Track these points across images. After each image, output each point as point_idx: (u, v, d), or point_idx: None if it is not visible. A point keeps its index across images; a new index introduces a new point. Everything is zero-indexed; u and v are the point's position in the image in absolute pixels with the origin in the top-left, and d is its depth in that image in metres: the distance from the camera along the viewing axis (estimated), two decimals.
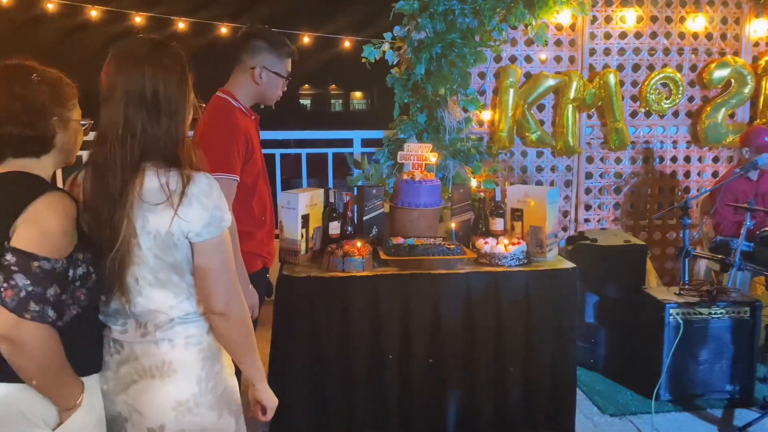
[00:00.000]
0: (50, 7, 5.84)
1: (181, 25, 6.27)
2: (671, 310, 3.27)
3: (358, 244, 2.90)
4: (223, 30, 5.98)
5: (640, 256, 3.69)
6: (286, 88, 2.63)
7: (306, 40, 5.20)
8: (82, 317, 1.53)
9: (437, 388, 2.88)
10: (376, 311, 2.77)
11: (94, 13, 6.06)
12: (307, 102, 37.71)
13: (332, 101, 39.42)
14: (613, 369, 3.68)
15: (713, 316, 3.30)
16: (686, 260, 3.67)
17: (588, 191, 4.94)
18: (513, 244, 2.94)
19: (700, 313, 3.29)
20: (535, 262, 2.96)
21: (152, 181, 1.50)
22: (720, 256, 3.37)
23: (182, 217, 1.49)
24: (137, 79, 1.50)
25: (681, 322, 3.25)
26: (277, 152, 4.90)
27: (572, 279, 2.92)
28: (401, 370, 2.85)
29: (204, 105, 1.79)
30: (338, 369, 2.79)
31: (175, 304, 1.57)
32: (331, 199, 3.05)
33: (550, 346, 2.92)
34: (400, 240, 2.97)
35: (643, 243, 3.75)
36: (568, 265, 2.95)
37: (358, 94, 39.37)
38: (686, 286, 3.46)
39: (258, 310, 2.47)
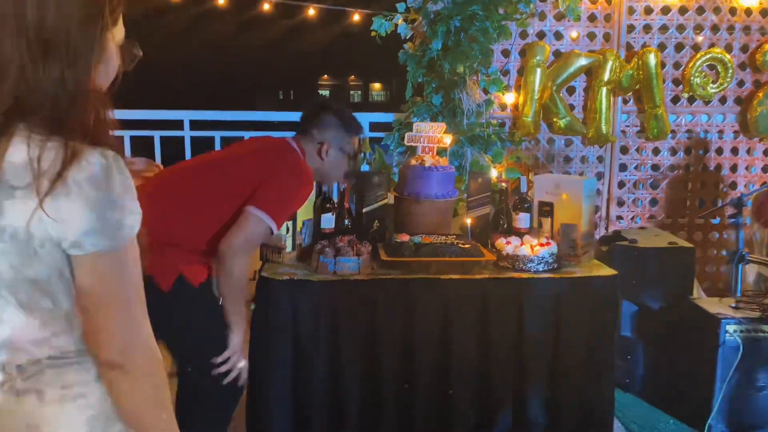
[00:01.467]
0: None
1: None
2: (728, 327, 2.76)
3: (355, 241, 2.43)
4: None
5: (688, 260, 3.18)
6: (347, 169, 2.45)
7: (311, 12, 4.76)
8: None
9: (447, 418, 2.40)
10: (373, 323, 2.30)
11: None
12: (325, 93, 37.48)
13: (351, 92, 39.21)
14: (654, 392, 3.17)
15: None
16: (740, 267, 3.15)
17: (621, 185, 4.43)
18: (541, 245, 2.45)
19: (763, 332, 2.77)
20: (567, 268, 2.46)
21: (19, 152, 0.99)
22: None
23: (50, 214, 0.98)
24: None
25: (740, 341, 2.74)
26: (273, 134, 4.44)
27: (612, 289, 2.43)
28: (402, 394, 2.38)
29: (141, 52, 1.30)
30: (326, 393, 2.32)
31: (44, 338, 1.06)
32: (325, 188, 2.58)
33: (583, 368, 2.44)
34: (405, 237, 2.50)
35: (691, 246, 3.23)
36: (608, 271, 2.46)
37: (377, 86, 39.14)
38: (743, 298, 2.95)
39: None
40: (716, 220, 4.51)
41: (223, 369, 2.02)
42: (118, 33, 1.11)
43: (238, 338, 2.05)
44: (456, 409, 2.38)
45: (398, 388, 2.36)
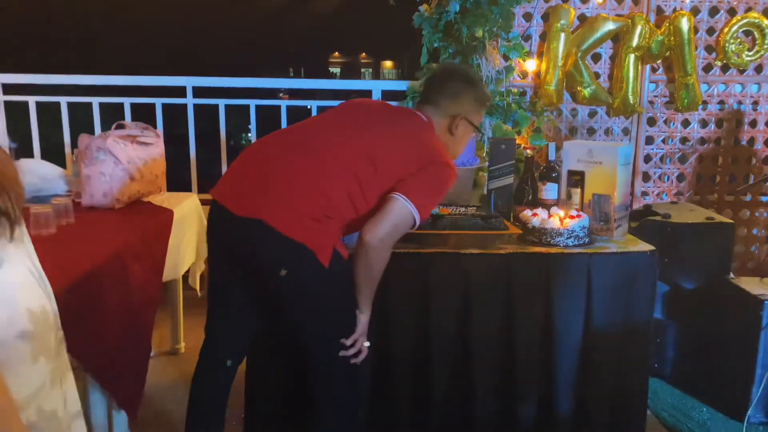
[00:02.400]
0: None
1: None
2: None
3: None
4: None
5: (727, 237, 2.94)
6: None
7: None
8: None
9: (465, 402, 2.20)
10: (386, 301, 2.08)
11: None
12: (336, 70, 37.12)
13: (362, 70, 38.85)
14: (686, 378, 2.95)
15: None
16: None
17: (647, 159, 4.18)
18: (570, 217, 2.22)
19: None
20: (600, 243, 2.24)
21: None
22: None
23: None
24: None
25: None
26: (283, 103, 4.21)
27: (649, 266, 2.20)
28: (418, 377, 2.18)
29: None
30: None
31: None
32: None
33: (615, 351, 2.22)
34: None
35: (731, 221, 2.99)
36: (645, 247, 2.23)
37: (388, 64, 38.79)
38: None
39: None
40: (748, 198, 4.26)
41: (351, 351, 1.87)
42: None
43: (365, 319, 1.92)
44: (476, 395, 2.18)
45: (413, 370, 2.16)
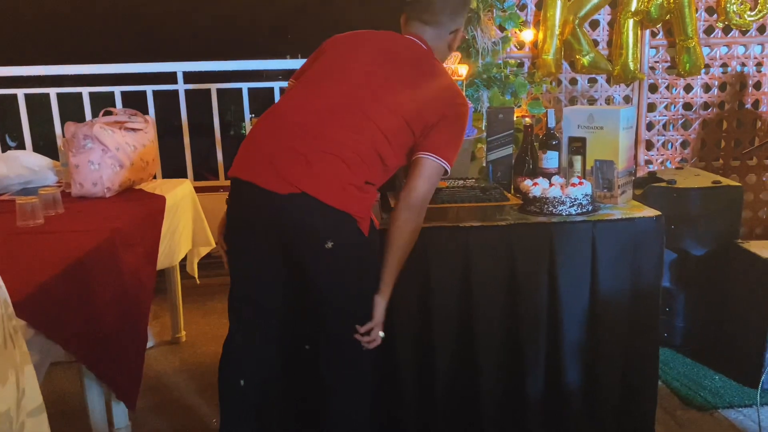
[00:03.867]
0: None
1: None
2: None
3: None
4: None
5: (735, 201, 2.85)
6: None
7: None
8: None
9: (471, 378, 2.15)
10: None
11: None
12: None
13: None
14: (697, 347, 2.89)
15: None
16: None
17: (650, 126, 4.09)
18: (572, 185, 2.15)
19: None
20: (604, 210, 2.17)
21: None
22: None
23: None
24: None
25: None
26: (277, 85, 4.14)
27: (657, 232, 2.13)
28: (420, 354, 2.12)
29: None
30: None
31: None
32: None
33: (624, 321, 2.16)
34: None
35: (738, 184, 2.90)
36: (650, 212, 2.15)
37: None
38: None
39: None
40: (754, 162, 4.17)
41: (365, 339, 1.81)
42: None
43: (384, 304, 1.83)
44: (482, 370, 2.12)
45: (415, 347, 2.10)
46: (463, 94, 1.93)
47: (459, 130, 1.89)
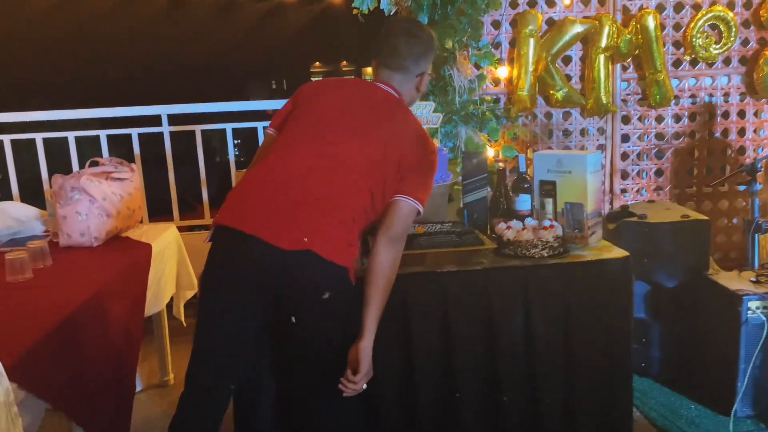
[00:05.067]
0: None
1: None
2: (750, 304, 2.56)
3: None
4: None
5: (703, 234, 2.97)
6: None
7: None
8: None
9: (449, 414, 2.21)
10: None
11: None
12: (318, 79, 37.15)
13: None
14: (672, 376, 2.98)
15: None
16: (756, 236, 2.96)
17: (625, 157, 4.21)
18: (544, 228, 2.24)
19: None
20: (575, 252, 2.26)
21: None
22: None
23: None
24: None
25: (764, 318, 2.54)
26: (260, 125, 4.23)
27: (625, 271, 2.22)
28: (401, 394, 2.18)
29: None
30: None
31: None
32: None
33: (597, 357, 2.24)
34: None
35: (706, 218, 3.01)
36: (619, 253, 2.25)
37: (369, 70, 38.72)
38: (763, 271, 2.75)
39: None
40: (726, 188, 4.30)
41: (351, 387, 1.84)
42: None
43: (370, 350, 1.87)
44: (461, 412, 2.19)
45: (398, 391, 2.17)
46: (433, 143, 2.04)
47: (431, 175, 2.01)
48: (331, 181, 1.86)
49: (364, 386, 1.87)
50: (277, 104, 4.34)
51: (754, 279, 2.72)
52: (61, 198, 2.58)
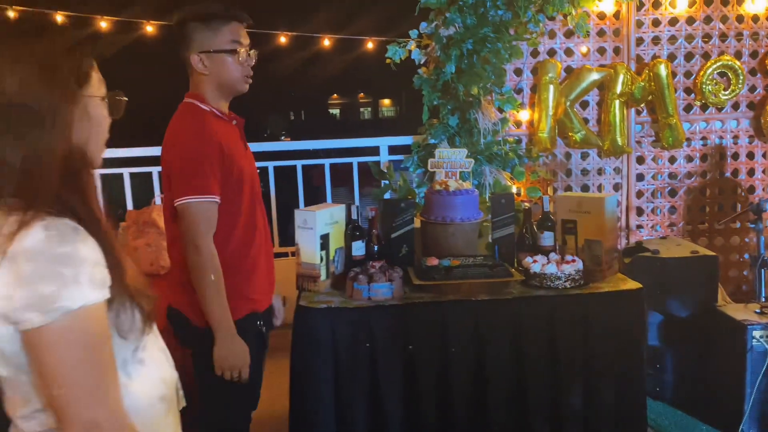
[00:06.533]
0: None
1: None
2: (755, 333, 2.81)
3: (386, 266, 2.52)
4: None
5: (711, 268, 3.23)
6: (253, 62, 2.09)
7: (327, 43, 4.87)
8: None
9: (485, 422, 2.47)
10: (409, 345, 2.38)
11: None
12: (336, 111, 37.68)
13: (361, 110, 39.38)
14: (684, 399, 3.22)
15: None
16: (762, 271, 3.20)
17: (640, 195, 4.48)
18: (566, 262, 2.52)
19: None
20: (594, 283, 2.54)
21: None
22: None
23: None
24: None
25: (767, 346, 2.78)
26: (299, 163, 4.56)
27: (638, 302, 2.49)
28: (440, 412, 2.45)
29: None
30: (367, 414, 2.39)
31: (27, 414, 1.07)
32: (354, 216, 2.67)
33: (614, 379, 2.49)
34: (434, 261, 2.58)
35: (714, 254, 3.28)
36: (633, 285, 2.52)
37: (386, 102, 39.30)
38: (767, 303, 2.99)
39: (247, 368, 2.05)
40: (738, 224, 4.54)
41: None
42: (93, 90, 1.12)
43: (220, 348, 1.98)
44: (494, 426, 2.45)
45: (436, 409, 2.43)
46: (193, 127, 2.01)
47: (190, 160, 1.95)
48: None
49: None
50: (315, 144, 4.68)
51: (758, 310, 2.97)
52: (133, 231, 2.90)
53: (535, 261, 2.56)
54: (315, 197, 4.37)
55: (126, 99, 1.18)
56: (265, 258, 2.19)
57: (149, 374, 1.16)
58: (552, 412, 2.48)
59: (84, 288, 0.99)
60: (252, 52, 2.08)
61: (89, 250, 1.01)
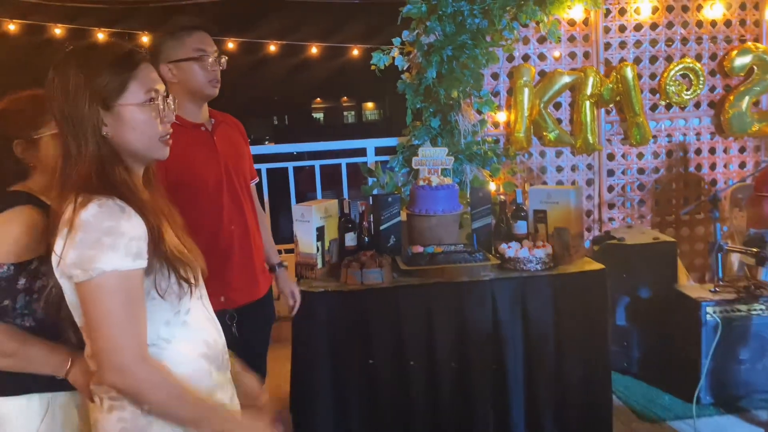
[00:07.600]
0: None
1: None
2: (708, 309, 3.12)
3: (376, 255, 2.80)
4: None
5: (671, 253, 3.54)
6: (220, 67, 2.19)
7: (314, 50, 5.13)
8: (37, 330, 1.46)
9: (465, 401, 2.76)
10: (398, 323, 2.67)
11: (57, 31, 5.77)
12: (319, 116, 37.82)
13: (345, 113, 39.50)
14: (649, 372, 3.53)
15: (753, 313, 3.15)
16: (719, 255, 3.52)
17: (611, 189, 4.79)
18: (537, 247, 2.81)
19: (739, 311, 3.14)
20: (562, 266, 2.83)
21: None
22: (755, 250, 3.20)
23: (56, 251, 1.25)
24: None
25: (719, 320, 3.10)
26: (290, 165, 4.82)
27: (601, 281, 2.79)
28: (427, 382, 2.73)
29: None
30: (361, 385, 2.68)
31: (89, 354, 1.34)
32: (346, 210, 2.95)
33: (582, 351, 2.79)
34: (419, 249, 2.86)
35: (673, 239, 3.59)
36: (596, 266, 2.82)
37: (370, 105, 39.40)
38: (721, 283, 3.31)
39: None
40: (702, 215, 4.86)
41: None
42: (129, 98, 1.33)
43: None
44: (475, 393, 2.74)
45: (424, 376, 2.71)
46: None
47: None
48: None
49: None
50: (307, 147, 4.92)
51: (712, 289, 3.28)
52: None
53: (509, 247, 2.85)
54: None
55: (171, 104, 1.40)
56: (242, 256, 2.23)
57: (191, 336, 1.39)
58: (526, 381, 2.77)
59: (119, 255, 1.22)
60: (223, 60, 2.20)
61: (130, 226, 1.25)
